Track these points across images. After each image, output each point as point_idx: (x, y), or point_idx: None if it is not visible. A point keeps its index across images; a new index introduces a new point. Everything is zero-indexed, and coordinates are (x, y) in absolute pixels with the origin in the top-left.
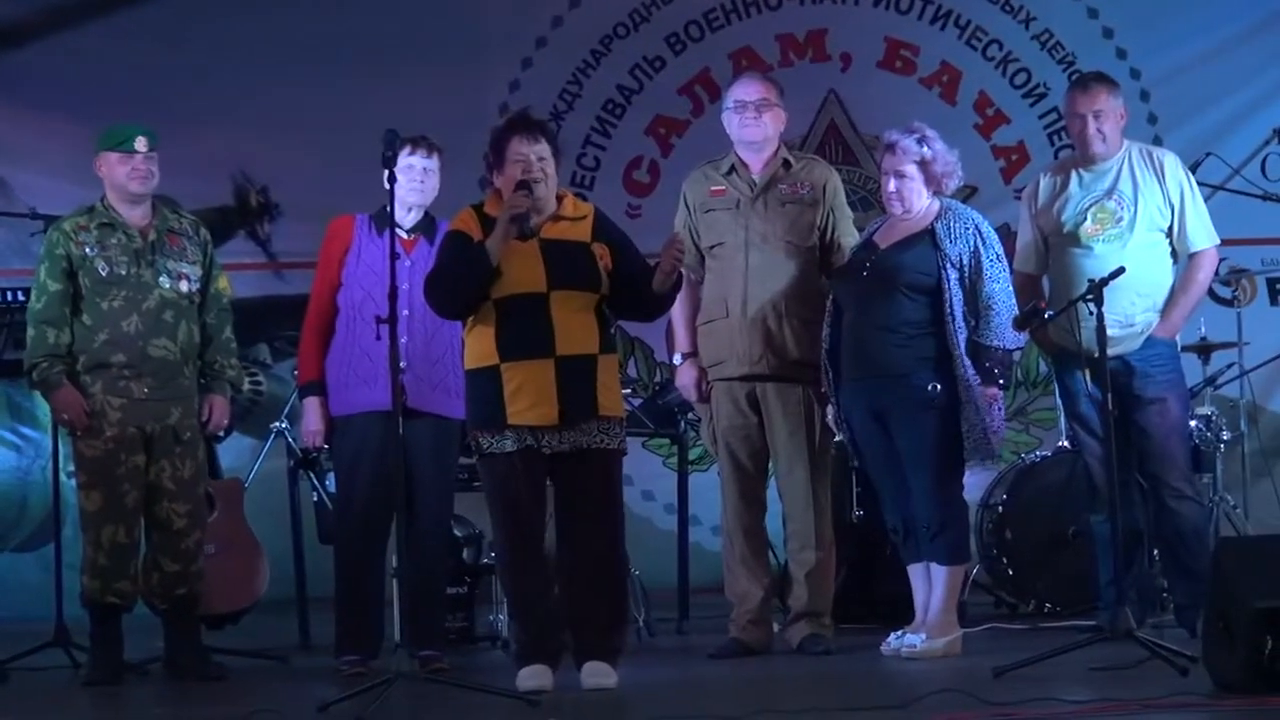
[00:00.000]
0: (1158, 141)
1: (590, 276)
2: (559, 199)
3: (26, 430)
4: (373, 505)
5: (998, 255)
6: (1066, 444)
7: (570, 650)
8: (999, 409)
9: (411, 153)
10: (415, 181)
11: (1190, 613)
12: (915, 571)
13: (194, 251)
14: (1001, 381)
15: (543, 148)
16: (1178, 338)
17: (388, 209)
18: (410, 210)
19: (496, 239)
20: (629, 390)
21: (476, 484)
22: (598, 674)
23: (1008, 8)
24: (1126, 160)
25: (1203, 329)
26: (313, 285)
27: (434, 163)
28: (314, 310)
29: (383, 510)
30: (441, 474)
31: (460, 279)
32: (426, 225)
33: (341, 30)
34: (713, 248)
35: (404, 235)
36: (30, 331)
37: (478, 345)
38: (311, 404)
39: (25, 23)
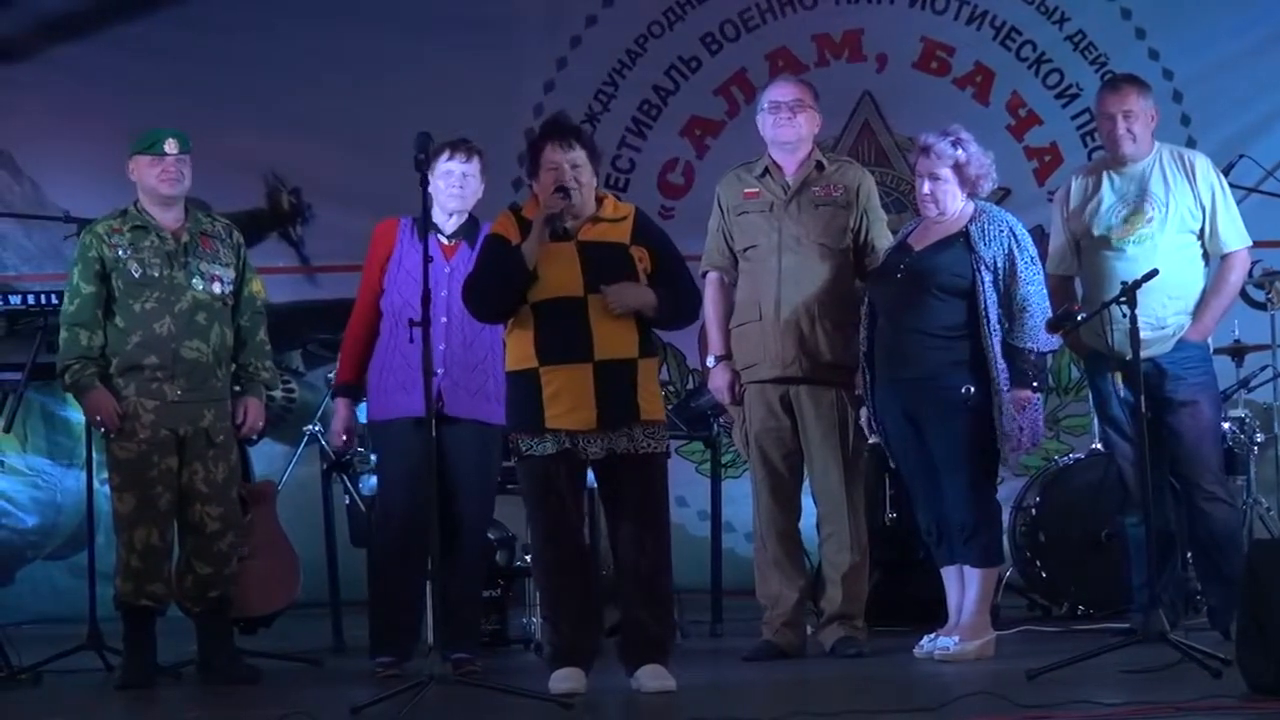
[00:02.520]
0: (1191, 143)
1: (629, 280)
2: (599, 200)
3: (60, 439)
4: (412, 510)
5: (1032, 258)
6: (1099, 446)
7: (619, 655)
8: (1037, 411)
9: (450, 157)
10: (454, 187)
11: (1223, 615)
12: (949, 574)
13: (227, 254)
14: (1036, 384)
15: (577, 154)
16: (1209, 340)
17: (424, 213)
18: (451, 215)
19: (532, 241)
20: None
21: (510, 486)
22: (658, 677)
23: (1042, 8)
24: (1157, 162)
25: (1236, 331)
26: (358, 289)
27: (474, 166)
28: (356, 314)
29: (421, 515)
30: (482, 480)
31: (497, 283)
32: (468, 229)
33: (374, 31)
34: (746, 250)
35: (445, 240)
36: (63, 334)
37: (517, 348)
38: (340, 405)
39: (57, 25)
